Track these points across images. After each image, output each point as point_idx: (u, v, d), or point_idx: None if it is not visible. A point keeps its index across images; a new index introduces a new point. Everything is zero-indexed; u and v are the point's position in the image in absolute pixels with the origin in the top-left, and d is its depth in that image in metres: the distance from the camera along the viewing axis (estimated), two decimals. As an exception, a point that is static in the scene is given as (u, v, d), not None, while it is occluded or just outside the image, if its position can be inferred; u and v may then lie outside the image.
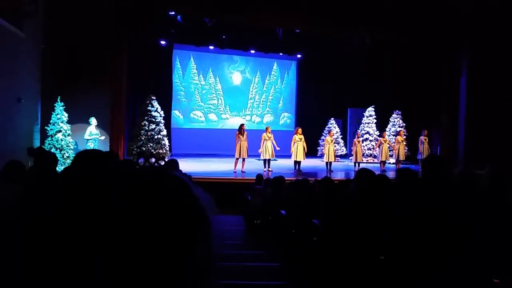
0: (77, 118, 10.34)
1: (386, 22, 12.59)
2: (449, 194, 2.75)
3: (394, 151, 13.20)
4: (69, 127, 9.98)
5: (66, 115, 9.97)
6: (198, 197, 0.79)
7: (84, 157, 1.84)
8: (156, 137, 12.27)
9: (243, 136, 11.25)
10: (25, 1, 8.44)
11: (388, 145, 13.20)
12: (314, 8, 12.11)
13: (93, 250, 0.84)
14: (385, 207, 3.04)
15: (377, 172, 3.58)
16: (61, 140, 9.75)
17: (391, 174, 11.35)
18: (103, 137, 10.48)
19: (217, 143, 15.96)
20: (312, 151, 15.54)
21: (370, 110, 15.84)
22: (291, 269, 4.35)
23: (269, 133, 11.77)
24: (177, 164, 5.29)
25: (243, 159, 11.28)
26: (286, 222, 4.82)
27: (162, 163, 10.33)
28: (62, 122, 9.86)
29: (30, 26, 8.85)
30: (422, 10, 12.30)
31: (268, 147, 11.56)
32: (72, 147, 9.93)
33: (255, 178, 8.48)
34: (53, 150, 9.45)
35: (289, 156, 12.52)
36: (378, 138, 14.33)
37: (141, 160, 10.74)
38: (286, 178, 6.68)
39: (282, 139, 11.90)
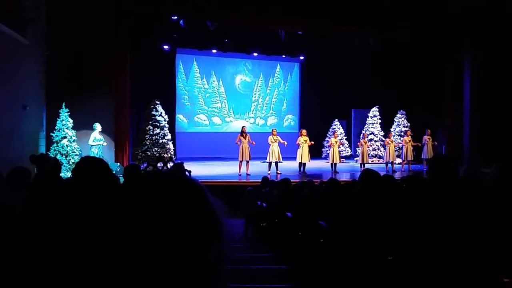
0: (82, 124, 10.39)
1: (388, 23, 12.58)
2: (456, 193, 2.73)
3: (404, 150, 13.10)
4: (74, 133, 10.02)
5: (71, 121, 10.01)
6: (212, 201, 0.81)
7: (87, 164, 1.85)
8: (160, 141, 12.30)
9: (245, 139, 11.23)
10: (27, 8, 8.48)
11: (394, 146, 13.16)
12: (316, 10, 12.12)
13: (101, 254, 0.84)
14: (392, 208, 3.02)
15: (382, 173, 3.56)
16: (67, 146, 9.79)
17: (397, 175, 11.32)
18: (105, 143, 10.49)
19: (221, 146, 15.97)
20: (316, 152, 15.50)
21: (374, 111, 15.76)
22: (298, 271, 4.33)
23: (275, 135, 11.73)
24: (183, 167, 5.30)
25: (247, 162, 11.26)
26: (293, 224, 4.80)
27: (170, 165, 10.31)
28: (67, 128, 9.90)
29: (33, 33, 8.89)
30: (424, 10, 12.29)
31: (274, 150, 11.52)
32: (77, 152, 9.96)
33: (260, 180, 8.45)
34: (58, 156, 9.50)
35: (294, 158, 12.49)
36: (384, 139, 14.27)
37: (144, 166, 10.73)
38: (291, 180, 6.66)
39: (286, 141, 11.86)
